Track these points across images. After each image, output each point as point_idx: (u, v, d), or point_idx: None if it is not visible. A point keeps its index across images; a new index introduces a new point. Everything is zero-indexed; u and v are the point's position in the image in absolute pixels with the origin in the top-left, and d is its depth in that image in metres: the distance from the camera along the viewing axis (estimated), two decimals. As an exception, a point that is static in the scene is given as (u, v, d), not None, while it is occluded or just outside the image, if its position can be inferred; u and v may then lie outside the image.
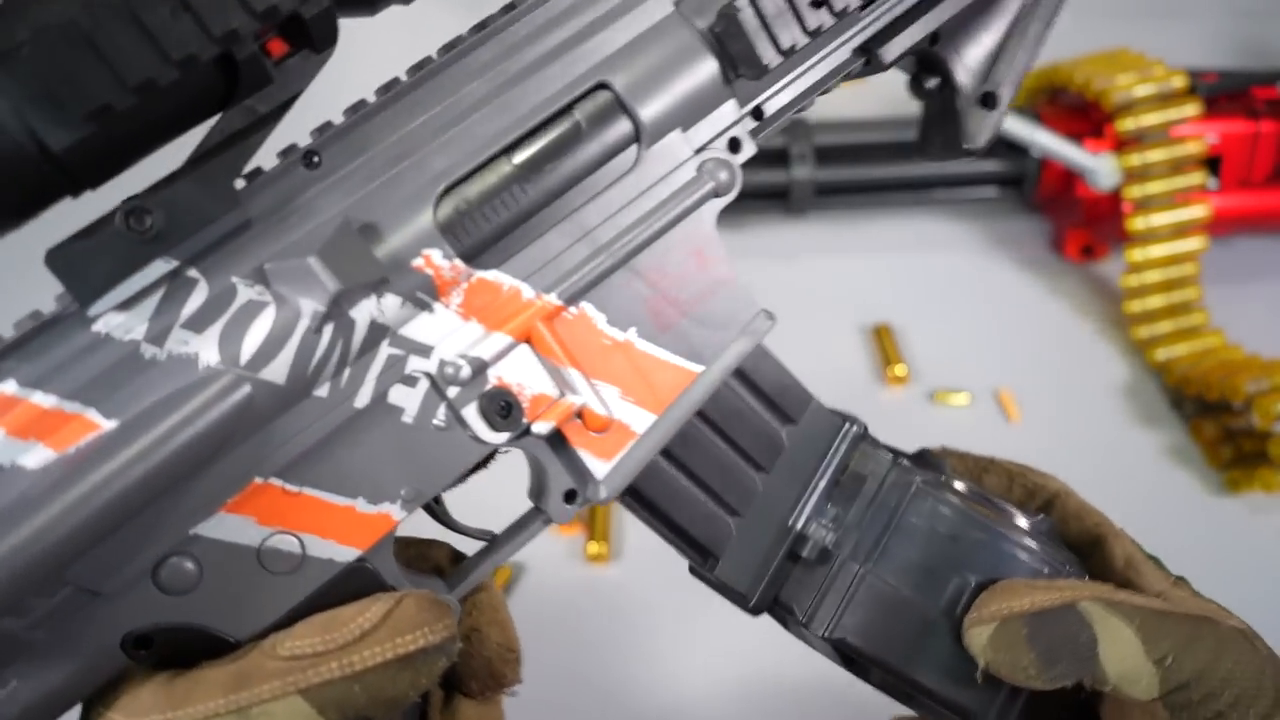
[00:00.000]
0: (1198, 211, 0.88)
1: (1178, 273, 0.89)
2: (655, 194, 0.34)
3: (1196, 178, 0.88)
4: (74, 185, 0.25)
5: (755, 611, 0.36)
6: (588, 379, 0.33)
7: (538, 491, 0.35)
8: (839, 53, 0.36)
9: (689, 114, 0.34)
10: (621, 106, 0.33)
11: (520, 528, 0.35)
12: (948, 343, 0.91)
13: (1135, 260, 0.89)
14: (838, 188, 0.98)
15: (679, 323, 0.35)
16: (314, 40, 0.27)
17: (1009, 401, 0.85)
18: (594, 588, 0.72)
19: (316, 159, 0.30)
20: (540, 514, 0.35)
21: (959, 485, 0.38)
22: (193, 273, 0.28)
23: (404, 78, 0.32)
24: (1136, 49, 0.94)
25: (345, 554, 0.30)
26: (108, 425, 0.26)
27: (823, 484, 0.37)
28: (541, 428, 0.32)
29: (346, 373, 0.29)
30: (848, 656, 0.36)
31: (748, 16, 0.33)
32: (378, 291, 0.29)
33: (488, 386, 0.31)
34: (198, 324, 0.27)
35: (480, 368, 0.31)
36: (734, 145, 0.35)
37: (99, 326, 0.27)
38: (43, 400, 0.26)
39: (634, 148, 0.33)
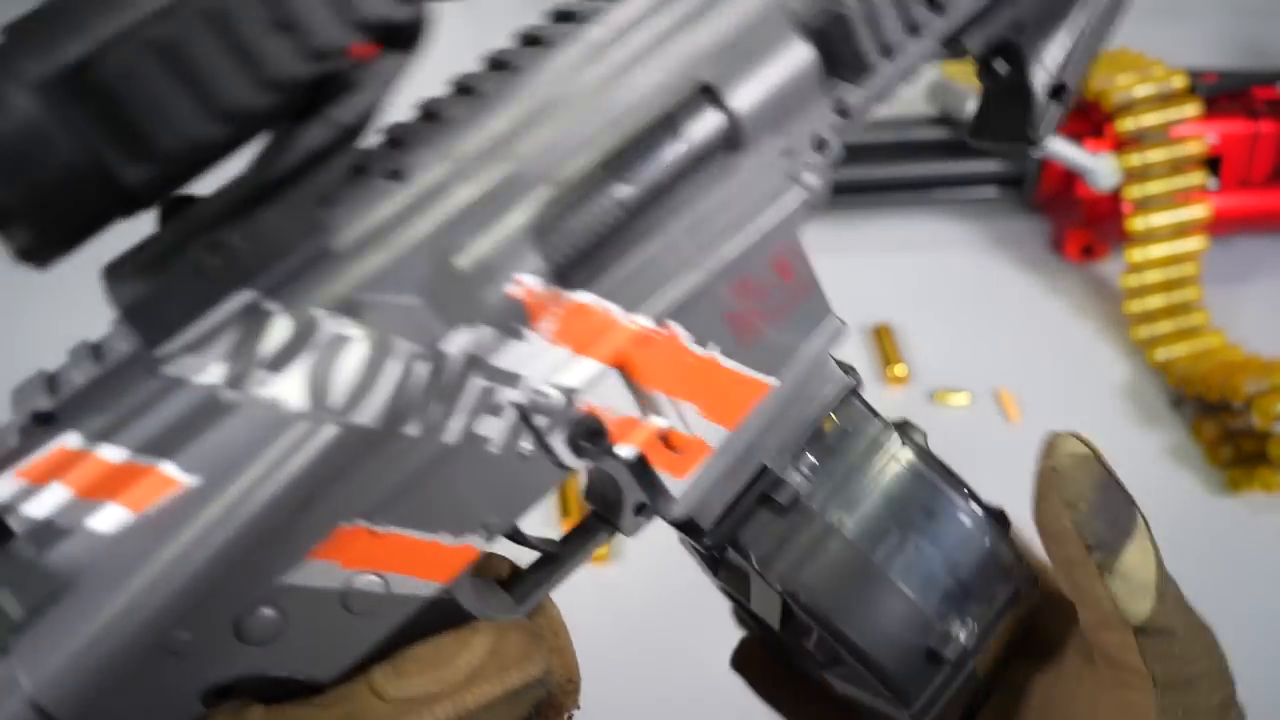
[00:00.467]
0: (1198, 211, 0.88)
1: (1178, 273, 0.89)
2: (746, 202, 0.32)
3: (1196, 178, 0.88)
4: (132, 208, 0.22)
5: (711, 548, 0.35)
6: (671, 400, 0.31)
7: (605, 502, 0.33)
8: (927, 41, 0.34)
9: (784, 116, 0.32)
10: (720, 108, 0.30)
11: (584, 539, 0.33)
12: (948, 343, 0.91)
13: (1135, 260, 0.89)
14: (838, 188, 0.98)
15: (759, 336, 0.33)
16: (405, 39, 0.24)
17: (1009, 401, 0.85)
18: (595, 588, 0.72)
19: (400, 171, 0.27)
20: (606, 525, 0.33)
21: (934, 460, 0.37)
22: (271, 305, 0.25)
23: (479, 71, 0.29)
24: (1136, 49, 0.94)
25: (428, 589, 0.28)
26: (189, 481, 0.23)
27: (807, 430, 0.35)
28: (625, 451, 0.31)
29: (437, 408, 0.27)
30: (788, 612, 0.35)
31: (856, 15, 0.31)
32: (472, 324, 0.27)
33: (575, 413, 0.29)
34: (279, 363, 0.25)
35: (570, 396, 0.29)
36: (820, 145, 0.33)
37: (170, 369, 0.24)
38: (112, 454, 0.23)
39: (728, 154, 0.31)
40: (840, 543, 0.34)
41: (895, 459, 0.36)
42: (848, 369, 0.36)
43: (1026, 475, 0.80)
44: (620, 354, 0.30)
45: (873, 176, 0.99)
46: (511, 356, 0.28)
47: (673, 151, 0.29)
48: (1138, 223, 0.89)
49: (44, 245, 0.21)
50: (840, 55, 0.32)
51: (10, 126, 0.20)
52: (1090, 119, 0.93)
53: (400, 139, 0.27)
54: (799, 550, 0.34)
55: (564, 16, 0.30)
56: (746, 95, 0.30)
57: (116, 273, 0.24)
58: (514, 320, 0.28)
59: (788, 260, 0.34)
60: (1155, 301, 0.89)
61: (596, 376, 0.29)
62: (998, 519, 0.36)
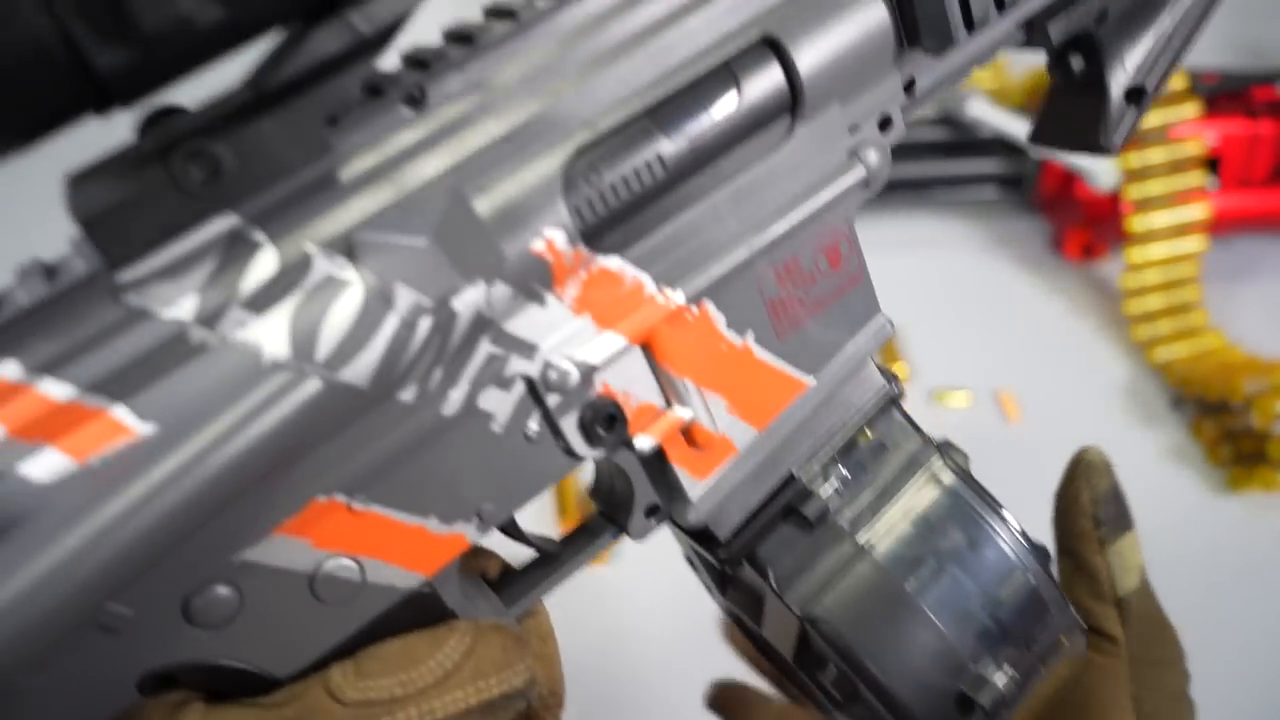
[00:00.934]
0: (1197, 211, 0.88)
1: (1177, 273, 0.89)
2: (802, 177, 0.28)
3: (1196, 178, 0.88)
4: (104, 102, 0.18)
5: (728, 562, 0.31)
6: (699, 389, 0.28)
7: (613, 501, 0.30)
8: (1009, 21, 0.31)
9: (852, 85, 0.28)
10: (784, 67, 0.27)
11: (587, 540, 0.30)
12: (948, 342, 0.91)
13: (1135, 260, 0.89)
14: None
15: (799, 328, 0.30)
16: None
17: (1009, 401, 0.85)
18: (590, 588, 0.72)
19: (421, 96, 0.23)
20: (612, 526, 0.30)
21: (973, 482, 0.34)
22: (257, 235, 0.21)
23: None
24: (1136, 49, 0.94)
25: (408, 580, 0.25)
26: (143, 430, 0.20)
27: (841, 439, 0.32)
28: (643, 443, 0.28)
29: (438, 373, 0.23)
30: (804, 641, 0.31)
31: None
32: (488, 280, 0.23)
33: (592, 394, 0.26)
34: (261, 303, 0.21)
35: (588, 374, 0.26)
36: (885, 123, 0.30)
37: (133, 297, 0.20)
38: (56, 390, 0.20)
39: (786, 119, 0.27)
40: (870, 567, 0.30)
41: (935, 480, 0.32)
42: (890, 376, 0.33)
43: (1027, 475, 0.80)
44: (648, 331, 0.26)
45: (873, 176, 0.99)
46: (527, 322, 0.25)
47: (726, 108, 0.26)
48: (1137, 223, 0.89)
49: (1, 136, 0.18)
50: (923, 23, 0.28)
51: None
52: (1090, 119, 0.93)
53: (424, 61, 0.24)
54: (823, 572, 0.30)
55: None
56: (814, 55, 0.27)
57: (81, 182, 0.20)
58: (535, 280, 0.24)
59: (838, 246, 0.30)
60: (1155, 302, 0.89)
61: (619, 354, 0.26)
62: (1042, 555, 0.33)
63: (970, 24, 0.29)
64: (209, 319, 0.21)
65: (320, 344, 0.21)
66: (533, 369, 0.25)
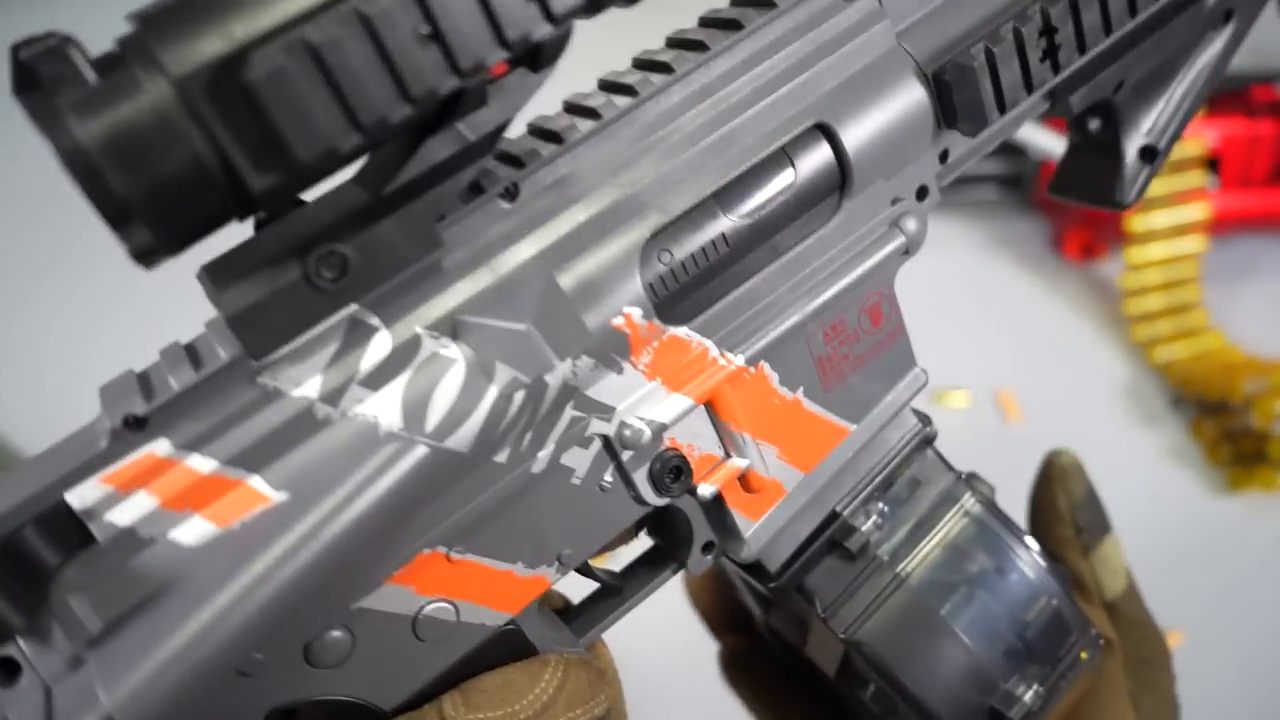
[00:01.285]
0: (1197, 211, 0.88)
1: (1177, 273, 0.89)
2: (849, 247, 0.31)
3: (1196, 178, 0.88)
4: (250, 211, 0.21)
5: (777, 591, 0.34)
6: (755, 440, 0.31)
7: (673, 538, 0.32)
8: (1037, 96, 0.33)
9: (895, 164, 0.31)
10: (835, 151, 0.29)
11: (647, 574, 0.32)
12: (948, 343, 0.91)
13: (1134, 260, 0.89)
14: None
15: (844, 381, 0.32)
16: (541, 59, 0.23)
17: (1009, 401, 0.85)
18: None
19: (515, 190, 0.26)
20: (672, 561, 0.32)
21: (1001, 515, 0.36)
22: (374, 320, 0.24)
23: (594, 93, 0.28)
24: (1136, 49, 0.94)
25: (497, 618, 0.28)
26: (277, 497, 0.22)
27: (879, 477, 0.34)
28: (706, 490, 0.30)
29: (528, 437, 0.26)
30: (845, 662, 0.34)
31: (982, 69, 0.30)
32: (575, 354, 0.26)
33: (661, 449, 0.29)
34: (377, 381, 0.24)
35: (659, 431, 0.28)
36: (922, 192, 0.32)
37: (267, 380, 0.23)
38: (201, 464, 0.22)
39: (835, 196, 0.30)
40: (908, 595, 0.33)
41: (967, 513, 0.35)
42: (925, 419, 0.36)
43: (1027, 475, 0.80)
44: (711, 392, 0.29)
45: (873, 177, 0.99)
46: (606, 387, 0.27)
47: (783, 188, 0.29)
48: (1137, 223, 0.89)
49: (159, 245, 0.19)
50: (960, 109, 0.31)
51: (142, 119, 0.18)
52: (1090, 119, 0.94)
53: (518, 158, 0.26)
54: (865, 600, 0.33)
55: (688, 45, 0.29)
56: (861, 139, 0.29)
57: (218, 274, 0.22)
58: (614, 352, 0.27)
59: (879, 306, 0.33)
60: (1155, 302, 0.89)
61: (686, 413, 0.28)
62: (1062, 577, 0.35)
63: (1002, 107, 0.31)
64: (332, 396, 0.23)
65: (429, 416, 0.24)
66: (610, 429, 0.27)
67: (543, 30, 0.21)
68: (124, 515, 0.21)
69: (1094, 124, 0.38)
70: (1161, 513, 0.77)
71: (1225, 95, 0.93)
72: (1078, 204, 0.40)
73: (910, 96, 0.30)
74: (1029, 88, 0.31)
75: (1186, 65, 0.38)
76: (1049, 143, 0.92)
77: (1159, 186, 0.89)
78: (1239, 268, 0.98)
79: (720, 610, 0.42)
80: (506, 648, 0.28)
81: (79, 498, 0.21)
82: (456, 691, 0.26)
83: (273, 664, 0.23)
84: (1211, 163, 0.92)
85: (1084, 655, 0.35)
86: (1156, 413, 0.84)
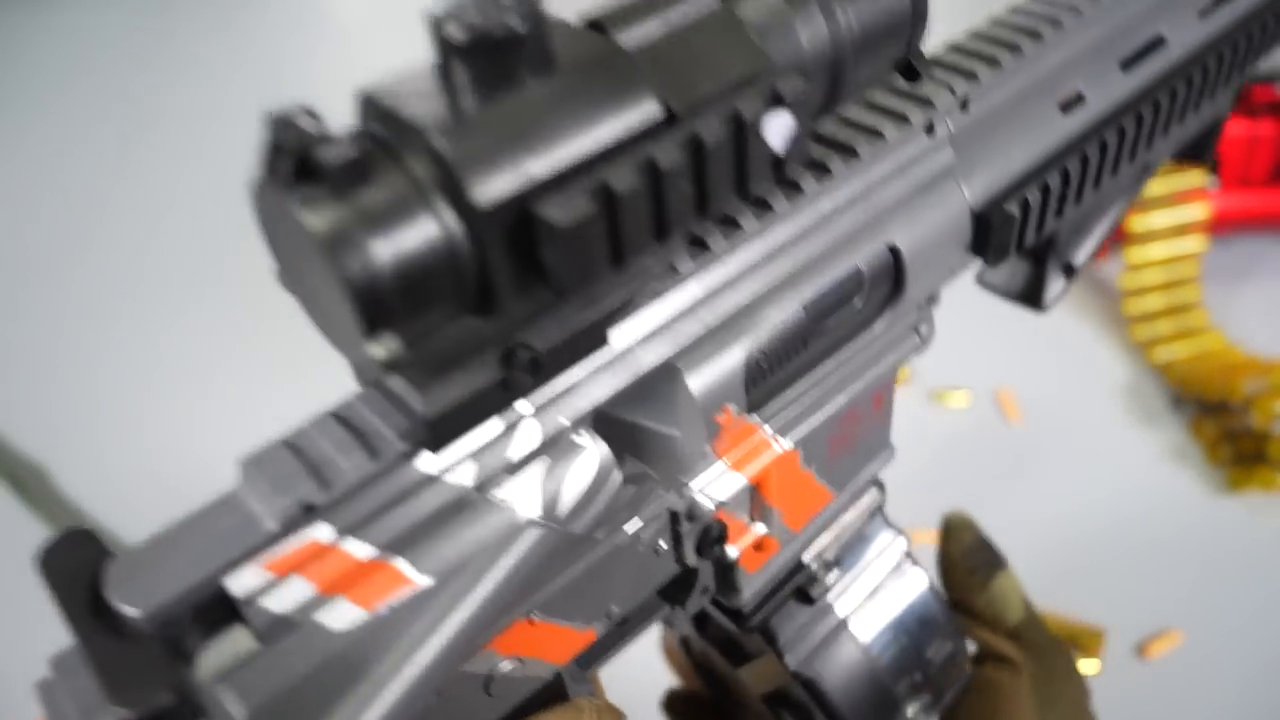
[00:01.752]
0: (1197, 211, 0.88)
1: (1177, 273, 0.89)
2: (880, 346, 0.34)
3: (1196, 178, 0.88)
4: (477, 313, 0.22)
5: (744, 627, 0.37)
6: (777, 509, 0.33)
7: (679, 585, 0.33)
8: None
9: (934, 282, 0.34)
10: (898, 269, 0.32)
11: (648, 611, 0.33)
12: (948, 342, 0.91)
13: (1134, 261, 0.89)
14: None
15: (841, 457, 0.35)
16: None
17: (1009, 401, 0.85)
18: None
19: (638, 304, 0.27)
20: (671, 603, 0.34)
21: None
22: (522, 409, 0.24)
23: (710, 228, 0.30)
24: (1136, 49, 0.94)
25: (549, 670, 0.29)
26: (422, 581, 0.22)
27: (839, 539, 0.38)
28: (733, 552, 0.32)
29: (623, 515, 0.28)
30: (783, 691, 0.39)
31: (1018, 220, 0.34)
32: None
33: (710, 520, 0.30)
34: (517, 467, 0.24)
35: (718, 507, 0.30)
36: (932, 299, 0.36)
37: (425, 464, 0.23)
38: (358, 550, 0.22)
39: (887, 307, 0.33)
40: (851, 642, 0.38)
41: (899, 569, 0.40)
42: (880, 486, 0.39)
43: (1027, 475, 0.80)
44: (763, 473, 0.31)
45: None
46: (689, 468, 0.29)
47: (856, 301, 0.31)
48: (1137, 223, 0.89)
49: (403, 355, 0.20)
50: (993, 246, 0.34)
51: (429, 247, 0.19)
52: (1090, 119, 0.94)
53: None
54: (816, 639, 0.38)
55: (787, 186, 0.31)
56: (918, 259, 0.32)
57: (418, 367, 0.22)
58: (706, 443, 0.28)
59: (884, 394, 0.36)
60: (1155, 302, 0.89)
61: (739, 492, 0.30)
62: (952, 615, 0.42)
63: (1023, 249, 0.36)
64: (484, 485, 0.23)
65: (562, 503, 0.24)
66: (680, 505, 0.29)
67: (731, 207, 0.23)
68: (280, 602, 0.21)
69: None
70: (1161, 513, 0.77)
71: (1225, 95, 0.93)
72: (1003, 298, 0.46)
73: (960, 234, 0.33)
74: (1040, 229, 0.36)
75: (1115, 207, 0.43)
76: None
77: (1159, 187, 0.89)
78: (1239, 268, 0.98)
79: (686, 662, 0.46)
80: (546, 693, 0.29)
81: (239, 584, 0.21)
82: None
83: None
84: (1212, 163, 0.92)
85: (965, 668, 0.42)
86: (1156, 413, 0.84)
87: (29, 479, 0.77)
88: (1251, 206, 0.94)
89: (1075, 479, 0.79)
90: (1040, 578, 0.71)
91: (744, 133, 0.21)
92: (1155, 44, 0.38)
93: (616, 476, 0.25)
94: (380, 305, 0.19)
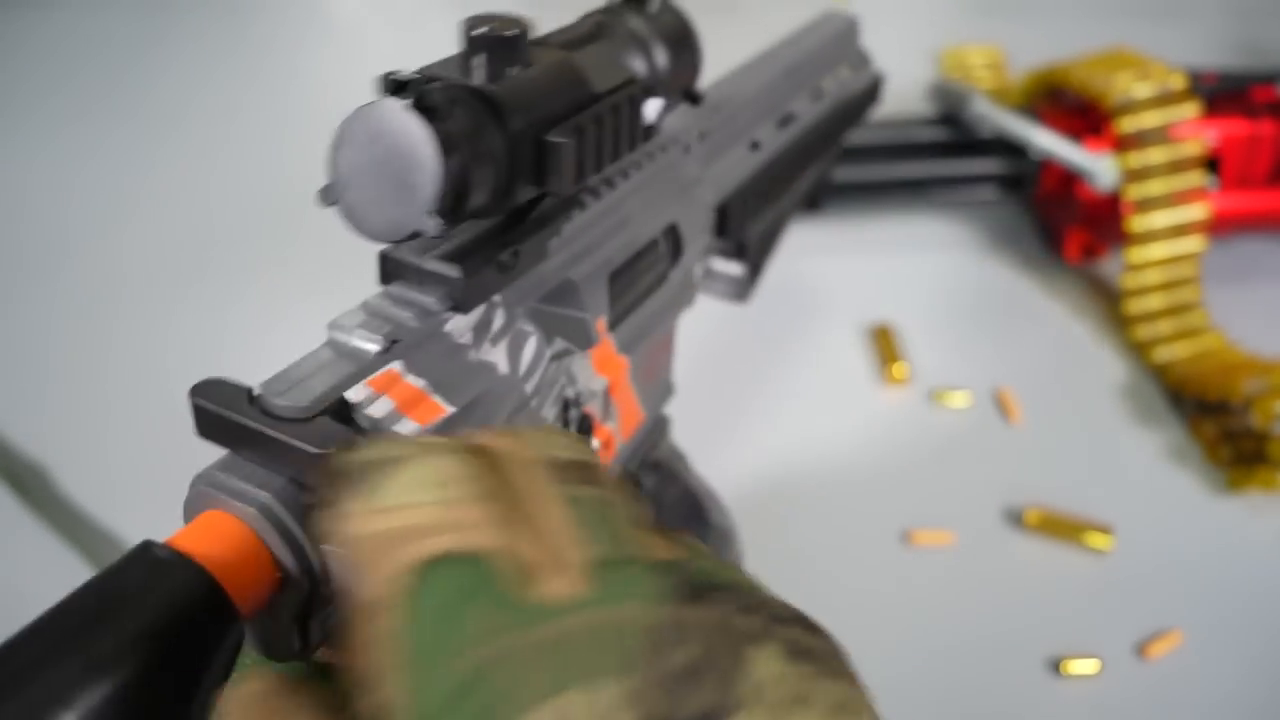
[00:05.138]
0: (1197, 212, 0.88)
1: (1177, 273, 0.89)
2: (672, 297, 0.48)
3: (1196, 178, 0.88)
4: (485, 216, 0.33)
5: None
6: (617, 414, 0.45)
7: None
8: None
9: (696, 253, 0.50)
10: (677, 239, 0.48)
11: None
12: (948, 342, 0.91)
13: (1135, 261, 0.89)
14: (838, 188, 0.99)
15: (648, 382, 0.48)
16: None
17: (1009, 401, 0.85)
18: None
19: (561, 231, 0.38)
20: None
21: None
22: (496, 298, 0.35)
23: (609, 178, 0.42)
24: (1136, 49, 0.94)
25: None
26: (449, 409, 0.31)
27: (648, 455, 0.52)
28: (594, 444, 0.43)
29: (546, 391, 0.38)
30: None
31: (736, 210, 0.53)
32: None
33: (584, 412, 0.42)
34: (496, 340, 0.35)
35: (590, 399, 0.41)
36: (693, 271, 0.50)
37: (449, 328, 0.33)
38: (416, 382, 0.31)
39: (675, 264, 0.48)
40: (668, 508, 0.53)
41: (688, 483, 0.56)
42: (668, 419, 0.54)
43: (1026, 475, 0.80)
44: (612, 377, 0.44)
45: (873, 176, 0.99)
46: (577, 365, 0.40)
47: (661, 245, 0.46)
48: (1137, 223, 0.89)
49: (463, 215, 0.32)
50: (728, 228, 0.53)
51: (488, 134, 0.31)
52: (1090, 119, 0.94)
53: (555, 220, 0.40)
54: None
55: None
56: (689, 237, 0.49)
57: (456, 255, 0.34)
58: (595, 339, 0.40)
59: (670, 337, 0.51)
60: (1155, 302, 0.89)
61: (602, 389, 0.42)
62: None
63: (742, 231, 0.56)
64: (477, 347, 0.34)
65: (521, 366, 0.36)
66: (571, 393, 0.40)
67: (627, 156, 0.39)
68: (376, 411, 0.29)
69: (731, 250, 0.59)
70: (1161, 513, 0.77)
71: (1225, 95, 0.93)
72: (717, 299, 0.63)
73: (708, 222, 0.51)
74: (747, 223, 0.55)
75: (781, 224, 0.63)
76: (1049, 143, 0.92)
77: (1159, 187, 0.89)
78: (1239, 268, 0.98)
79: None
80: None
81: (354, 394, 0.29)
82: None
83: None
84: (1211, 163, 0.92)
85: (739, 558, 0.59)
86: (1156, 413, 0.84)
87: (29, 479, 0.77)
88: (1251, 206, 0.94)
89: (1075, 479, 0.79)
90: (1041, 575, 0.71)
91: (634, 107, 0.36)
92: (792, 117, 0.60)
93: (547, 351, 0.37)
94: (453, 191, 0.30)
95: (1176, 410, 0.84)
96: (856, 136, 0.98)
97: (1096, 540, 0.74)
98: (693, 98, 0.43)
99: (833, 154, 0.71)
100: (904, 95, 1.14)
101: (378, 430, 0.29)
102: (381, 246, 0.34)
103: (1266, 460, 0.77)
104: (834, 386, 0.87)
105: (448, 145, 0.29)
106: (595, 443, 0.43)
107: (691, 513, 0.55)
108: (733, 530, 0.56)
